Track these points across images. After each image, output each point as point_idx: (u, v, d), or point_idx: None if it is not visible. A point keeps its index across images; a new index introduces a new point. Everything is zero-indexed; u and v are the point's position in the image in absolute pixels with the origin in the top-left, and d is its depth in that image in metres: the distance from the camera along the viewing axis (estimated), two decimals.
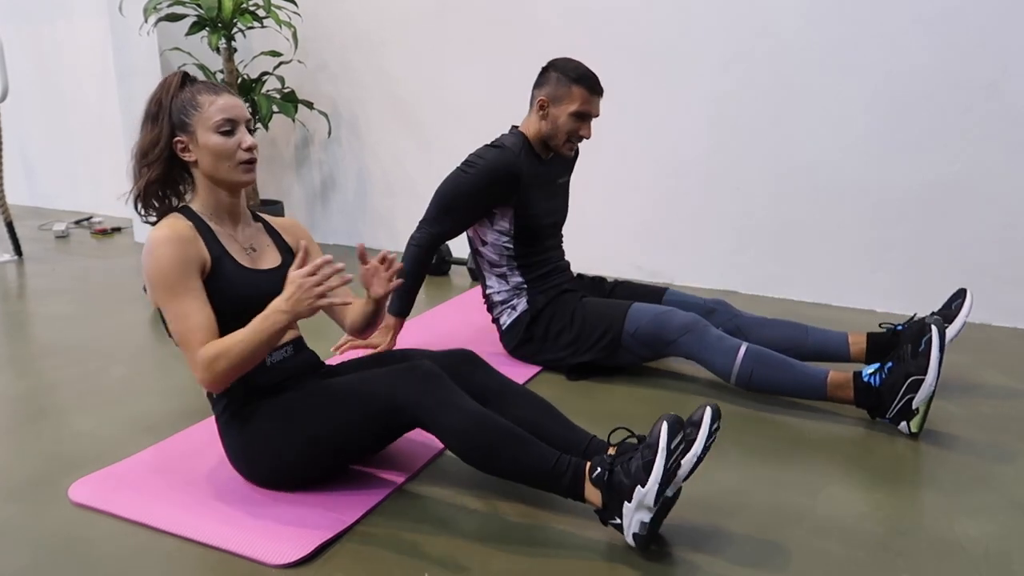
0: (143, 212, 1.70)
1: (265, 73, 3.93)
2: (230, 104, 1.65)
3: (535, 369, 2.41)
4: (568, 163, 2.54)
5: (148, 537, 1.58)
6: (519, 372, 2.38)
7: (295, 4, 3.80)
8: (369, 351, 2.34)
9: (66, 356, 2.59)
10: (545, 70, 2.35)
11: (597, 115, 2.34)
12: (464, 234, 2.63)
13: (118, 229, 4.56)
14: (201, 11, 3.56)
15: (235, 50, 3.72)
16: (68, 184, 5.17)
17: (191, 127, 1.64)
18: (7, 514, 1.67)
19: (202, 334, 1.55)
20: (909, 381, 1.89)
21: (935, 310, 2.27)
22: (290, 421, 1.64)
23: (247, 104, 3.71)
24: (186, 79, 1.68)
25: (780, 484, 1.77)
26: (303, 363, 1.79)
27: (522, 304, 2.42)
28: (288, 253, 1.81)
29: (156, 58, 3.86)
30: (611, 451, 1.60)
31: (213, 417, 2.10)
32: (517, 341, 2.43)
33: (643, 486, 1.41)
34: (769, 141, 3.13)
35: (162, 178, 1.67)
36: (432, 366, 1.61)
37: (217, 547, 1.53)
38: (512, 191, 2.31)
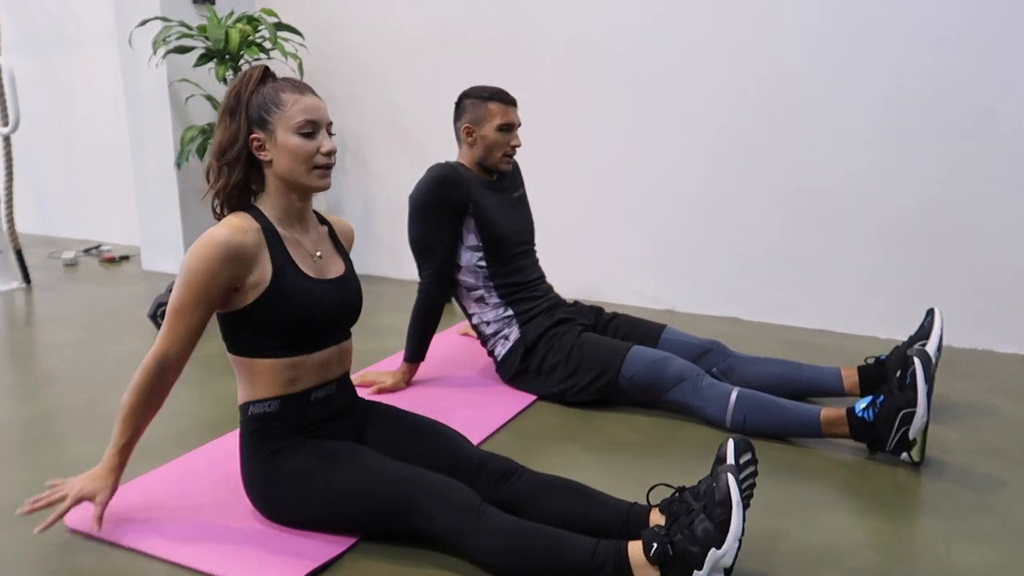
0: (222, 213, 1.64)
1: None
2: (314, 105, 1.58)
3: (531, 398, 2.40)
4: (515, 180, 2.60)
5: (143, 564, 1.58)
6: (516, 401, 2.38)
7: (301, 36, 3.86)
8: (388, 393, 2.43)
9: (70, 383, 2.61)
10: (458, 103, 2.47)
11: (519, 124, 2.45)
12: None
13: (126, 257, 4.60)
14: (209, 43, 3.63)
15: None
16: (78, 213, 5.24)
17: (270, 125, 1.57)
18: (2, 539, 1.67)
19: (177, 345, 1.58)
20: (901, 415, 1.89)
21: (911, 334, 2.28)
22: (315, 484, 1.58)
23: None
24: (267, 74, 1.61)
25: (778, 510, 1.76)
26: (344, 401, 1.75)
27: (514, 334, 2.42)
28: (348, 259, 1.79)
29: (165, 89, 3.92)
30: (653, 512, 1.53)
31: (217, 440, 2.13)
32: (513, 372, 2.44)
33: (719, 547, 1.34)
34: (770, 168, 3.15)
35: (246, 179, 1.61)
36: (468, 494, 1.51)
37: (210, 574, 1.52)
38: (462, 192, 2.36)
